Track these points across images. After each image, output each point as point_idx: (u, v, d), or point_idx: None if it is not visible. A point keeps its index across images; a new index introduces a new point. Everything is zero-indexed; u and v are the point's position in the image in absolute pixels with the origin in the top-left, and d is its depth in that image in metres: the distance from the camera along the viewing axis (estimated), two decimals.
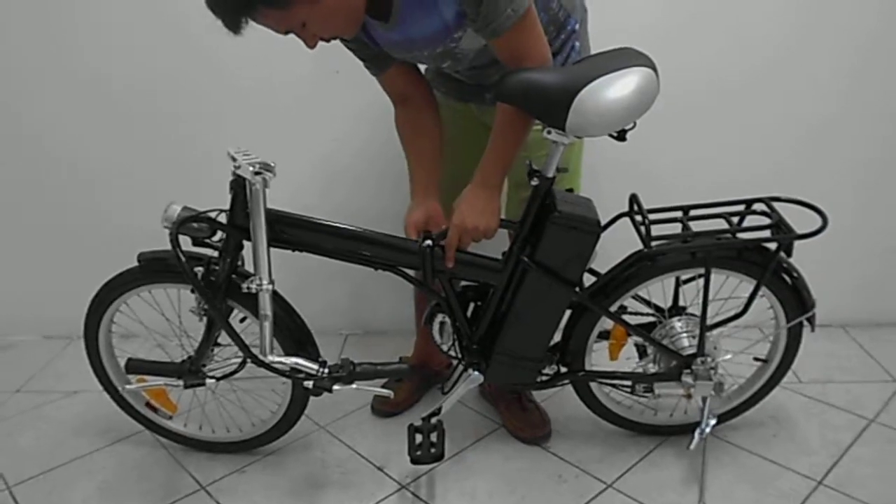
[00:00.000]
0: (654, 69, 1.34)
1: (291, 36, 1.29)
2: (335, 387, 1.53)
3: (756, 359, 1.79)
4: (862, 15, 2.02)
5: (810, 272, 1.68)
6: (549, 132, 1.38)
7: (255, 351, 1.51)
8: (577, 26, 1.54)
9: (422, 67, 1.63)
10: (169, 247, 1.45)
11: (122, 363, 1.64)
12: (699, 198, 1.65)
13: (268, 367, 1.53)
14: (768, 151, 2.18)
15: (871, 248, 2.30)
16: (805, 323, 1.69)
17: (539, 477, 1.74)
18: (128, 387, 1.69)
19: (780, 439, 1.84)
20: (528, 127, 1.42)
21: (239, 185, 1.43)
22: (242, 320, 1.63)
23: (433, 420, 1.69)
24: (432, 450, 1.64)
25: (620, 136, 1.40)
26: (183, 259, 1.43)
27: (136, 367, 1.62)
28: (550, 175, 1.45)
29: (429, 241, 1.48)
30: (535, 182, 1.45)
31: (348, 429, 1.93)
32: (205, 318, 1.60)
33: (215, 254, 1.53)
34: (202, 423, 1.86)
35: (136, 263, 1.61)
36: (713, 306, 1.63)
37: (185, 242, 1.45)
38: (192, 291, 1.56)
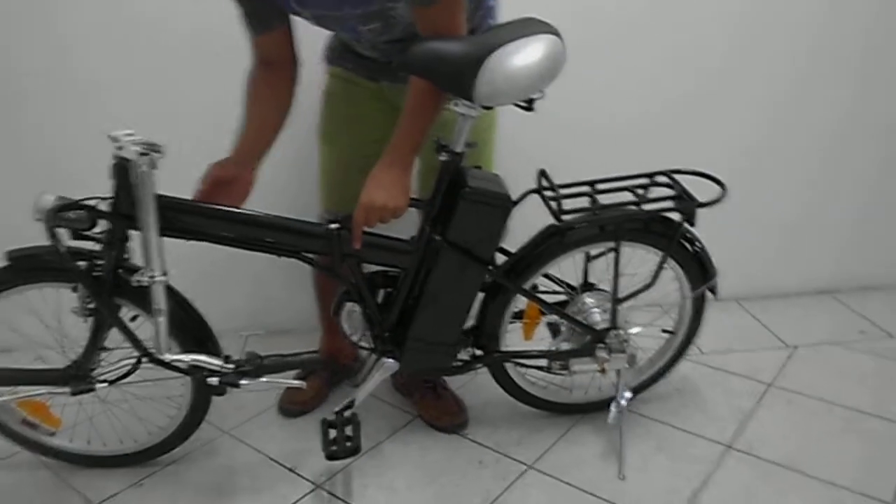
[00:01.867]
0: (560, 37, 1.33)
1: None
2: (243, 381, 1.43)
3: (664, 330, 1.83)
4: None
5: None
6: (456, 104, 1.34)
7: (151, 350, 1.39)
8: (493, 3, 1.52)
9: (328, 40, 1.56)
10: (41, 242, 1.32)
11: None
12: (604, 173, 1.66)
13: (166, 365, 1.41)
14: (668, 125, 2.23)
15: (760, 222, 2.41)
16: (708, 292, 1.73)
17: (459, 464, 1.69)
18: (1, 399, 1.50)
19: (688, 409, 1.89)
20: (439, 102, 1.37)
21: (122, 169, 1.30)
22: (133, 319, 1.48)
23: (347, 413, 1.61)
24: (348, 443, 1.57)
25: (529, 105, 1.39)
26: (63, 251, 1.29)
27: (8, 377, 1.45)
28: (459, 150, 1.41)
29: (336, 224, 1.41)
30: (443, 157, 1.41)
31: (254, 431, 1.81)
32: (90, 319, 1.45)
33: (97, 247, 1.39)
34: (90, 436, 1.69)
35: (3, 263, 1.43)
36: (621, 281, 1.64)
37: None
38: (74, 290, 1.42)
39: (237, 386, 1.44)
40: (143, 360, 1.43)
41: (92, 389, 1.47)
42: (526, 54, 1.27)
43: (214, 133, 1.52)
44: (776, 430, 1.79)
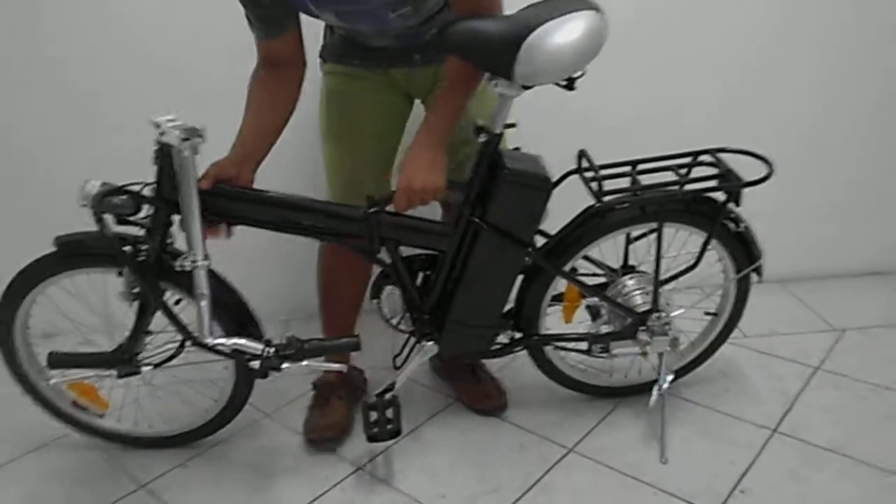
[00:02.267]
0: (601, 12, 1.30)
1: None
2: (284, 365, 1.44)
3: (707, 313, 1.80)
4: None
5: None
6: (496, 84, 1.33)
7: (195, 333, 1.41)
8: None
9: (326, 39, 1.56)
10: (88, 228, 1.34)
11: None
12: (646, 154, 1.62)
13: (209, 348, 1.43)
14: (715, 106, 2.19)
15: (806, 203, 2.35)
16: (753, 274, 1.70)
17: (499, 447, 1.69)
18: (51, 381, 1.55)
19: (732, 393, 1.85)
20: (475, 81, 1.36)
21: (165, 155, 1.32)
22: (177, 302, 1.51)
23: (387, 396, 1.62)
24: (389, 426, 1.58)
25: (569, 84, 1.36)
26: (110, 236, 1.31)
27: (60, 360, 1.48)
28: (498, 131, 1.39)
29: (374, 208, 1.41)
30: (482, 138, 1.40)
31: (296, 414, 1.83)
32: (135, 304, 1.47)
33: (140, 233, 1.41)
34: (137, 418, 1.73)
35: (51, 249, 1.46)
36: (662, 263, 1.61)
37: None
38: (120, 275, 1.44)
39: (278, 369, 1.45)
40: (187, 343, 1.45)
41: (137, 372, 1.50)
42: (567, 32, 1.23)
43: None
44: (823, 415, 1.75)
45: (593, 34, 1.27)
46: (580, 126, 1.92)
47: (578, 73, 1.33)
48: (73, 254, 1.47)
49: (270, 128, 1.45)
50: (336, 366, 1.58)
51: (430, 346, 1.58)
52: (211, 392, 1.67)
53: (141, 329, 1.50)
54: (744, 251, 1.66)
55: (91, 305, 1.62)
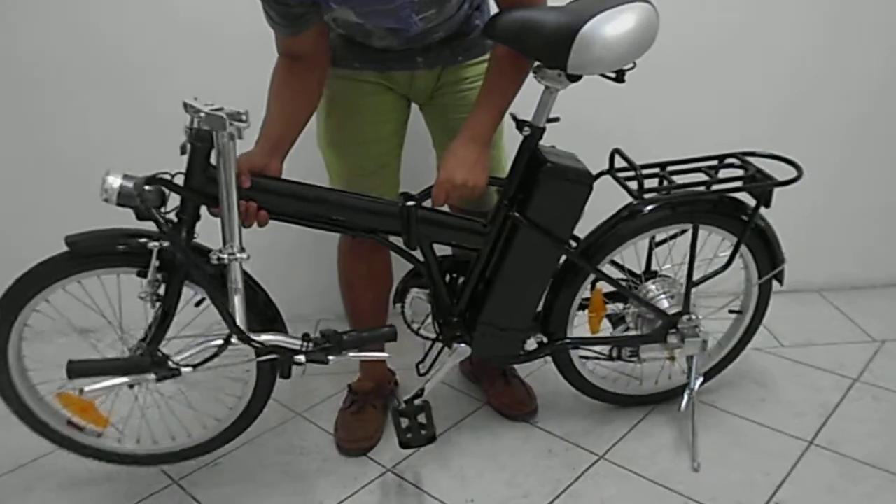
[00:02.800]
0: (653, 5, 1.30)
1: None
2: (330, 357, 1.41)
3: (731, 311, 1.78)
4: None
5: (784, 239, 1.68)
6: (542, 77, 1.34)
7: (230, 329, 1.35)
8: None
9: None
10: (101, 227, 1.30)
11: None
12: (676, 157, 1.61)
13: (252, 344, 1.37)
14: (747, 112, 2.16)
15: (844, 211, 2.30)
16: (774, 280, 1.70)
17: (529, 452, 1.68)
18: (88, 389, 1.32)
19: (767, 403, 1.82)
20: (523, 73, 1.36)
21: (200, 140, 1.24)
22: (199, 303, 1.45)
23: (417, 402, 1.60)
24: (423, 431, 1.55)
25: (619, 77, 1.35)
26: (162, 221, 1.25)
27: (83, 369, 1.30)
28: (542, 125, 1.39)
29: (411, 202, 1.39)
30: (526, 132, 1.39)
31: (325, 414, 1.84)
32: (157, 305, 1.39)
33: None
34: (139, 434, 1.63)
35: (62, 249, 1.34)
36: (682, 267, 1.61)
37: (121, 218, 1.29)
38: (139, 275, 1.37)
39: (325, 362, 1.41)
40: (232, 340, 1.37)
41: (177, 374, 1.37)
42: (622, 22, 1.24)
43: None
44: (862, 427, 1.70)
45: (647, 26, 1.27)
46: (606, 128, 1.91)
47: (629, 66, 1.33)
48: (88, 254, 1.36)
49: (297, 119, 1.42)
50: (382, 355, 1.55)
51: (463, 349, 1.56)
52: (227, 398, 1.60)
53: (164, 331, 1.39)
54: (767, 255, 1.65)
55: (100, 309, 1.55)
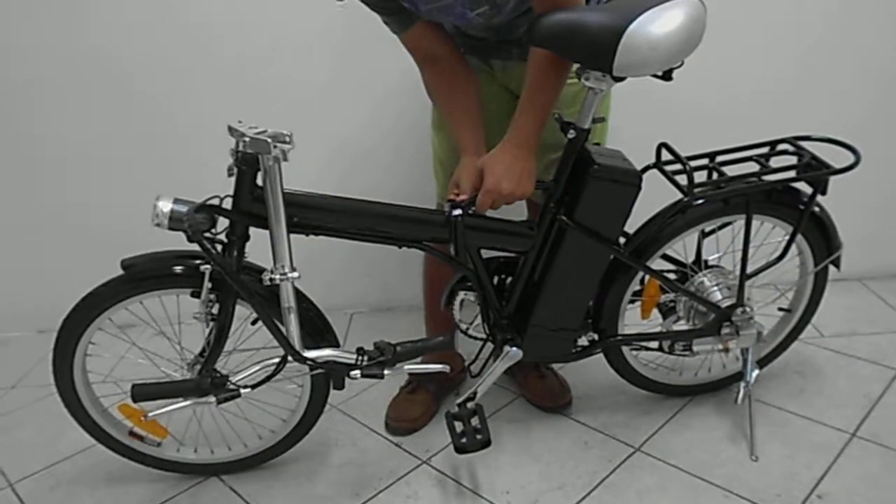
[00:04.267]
0: (701, 1, 1.23)
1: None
2: (386, 371, 1.42)
3: (780, 308, 1.74)
4: None
5: None
6: (586, 78, 1.29)
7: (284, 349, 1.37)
8: None
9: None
10: (153, 249, 1.32)
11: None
12: (721, 145, 1.59)
13: (307, 363, 1.39)
14: (791, 94, 2.12)
15: (886, 195, 2.24)
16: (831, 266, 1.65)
17: (564, 444, 1.68)
18: (152, 414, 1.40)
19: (808, 394, 1.79)
20: (565, 75, 1.32)
21: (247, 163, 1.25)
22: (255, 322, 1.41)
23: (469, 405, 1.58)
24: (478, 436, 1.53)
25: (666, 75, 1.28)
26: (209, 248, 1.27)
27: (146, 393, 1.34)
28: (587, 126, 1.35)
29: (458, 211, 1.37)
30: (571, 135, 1.35)
31: (361, 406, 1.86)
32: (212, 324, 1.40)
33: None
34: (197, 444, 1.66)
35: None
36: (731, 258, 1.57)
37: (169, 241, 1.33)
38: (194, 295, 1.39)
39: (381, 377, 1.41)
40: (288, 359, 1.40)
41: (237, 395, 1.40)
42: (669, 20, 1.16)
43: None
44: None
45: (695, 22, 1.20)
46: (648, 121, 1.88)
47: (677, 65, 1.27)
48: (144, 276, 1.39)
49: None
50: (439, 367, 1.52)
51: (514, 353, 1.53)
52: (279, 411, 1.63)
53: (220, 348, 1.41)
54: (823, 242, 1.61)
55: (161, 329, 1.59)
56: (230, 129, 1.25)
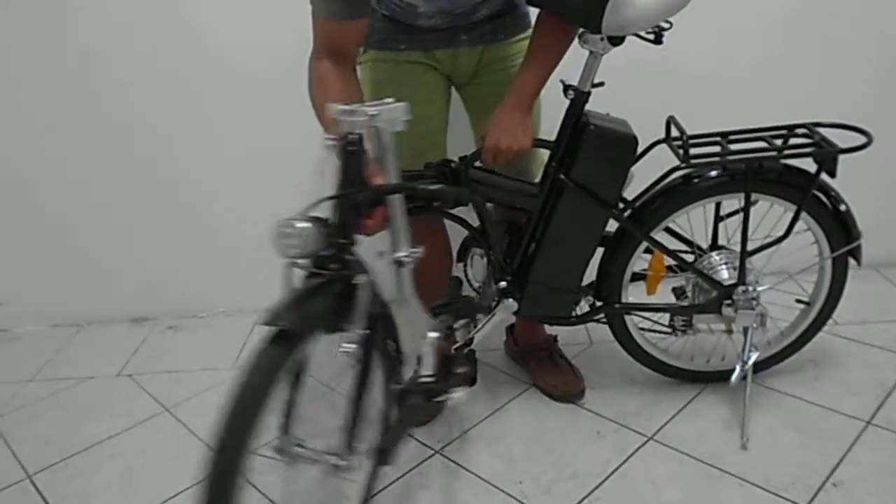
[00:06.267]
0: None
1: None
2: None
3: (798, 301, 1.73)
4: None
5: None
6: (585, 42, 1.37)
7: None
8: None
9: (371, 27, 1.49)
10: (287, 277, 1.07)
11: None
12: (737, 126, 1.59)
13: None
14: (799, 76, 2.10)
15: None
16: (851, 258, 1.63)
17: (576, 434, 1.68)
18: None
19: (822, 382, 1.78)
20: (566, 40, 1.39)
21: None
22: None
23: (464, 350, 1.62)
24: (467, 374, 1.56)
25: (657, 38, 1.37)
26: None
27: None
28: (587, 89, 1.43)
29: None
30: (570, 95, 1.44)
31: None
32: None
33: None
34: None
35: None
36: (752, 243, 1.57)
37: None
38: None
39: None
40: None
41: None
42: None
43: None
44: None
45: None
46: (662, 101, 1.87)
47: (666, 25, 1.35)
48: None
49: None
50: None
51: (510, 304, 1.59)
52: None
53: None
54: (840, 230, 1.59)
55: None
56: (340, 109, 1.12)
